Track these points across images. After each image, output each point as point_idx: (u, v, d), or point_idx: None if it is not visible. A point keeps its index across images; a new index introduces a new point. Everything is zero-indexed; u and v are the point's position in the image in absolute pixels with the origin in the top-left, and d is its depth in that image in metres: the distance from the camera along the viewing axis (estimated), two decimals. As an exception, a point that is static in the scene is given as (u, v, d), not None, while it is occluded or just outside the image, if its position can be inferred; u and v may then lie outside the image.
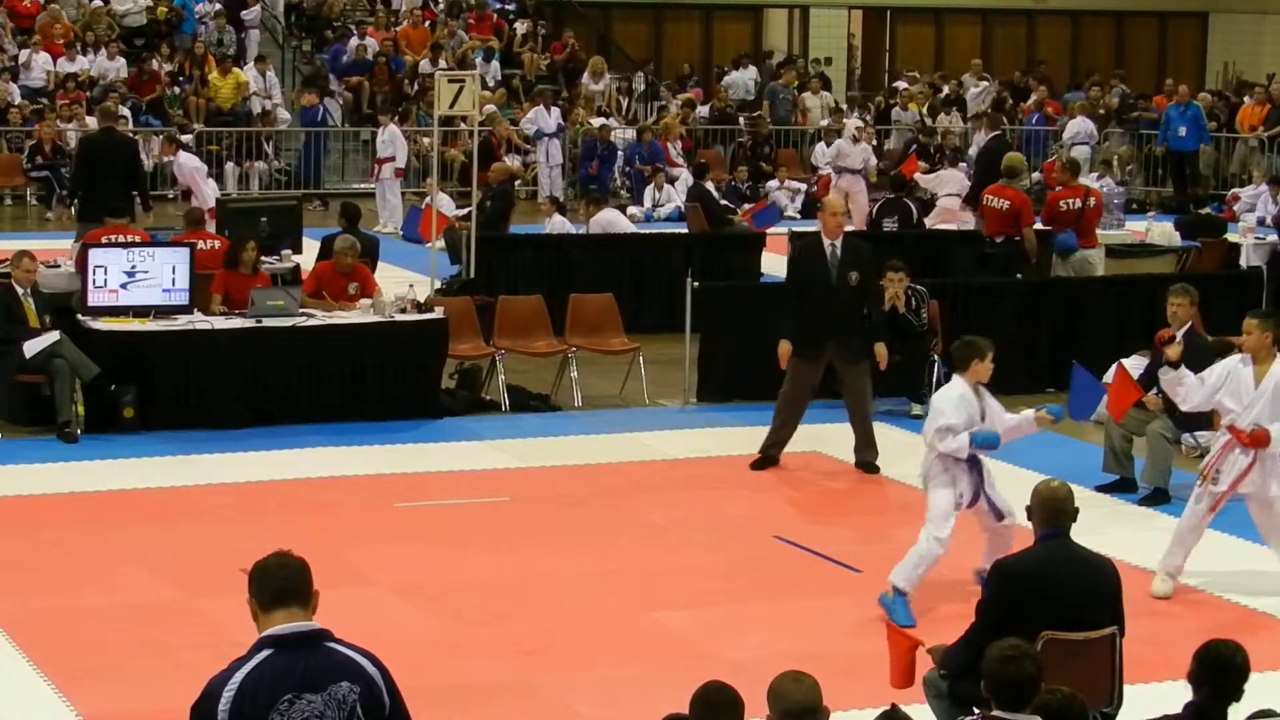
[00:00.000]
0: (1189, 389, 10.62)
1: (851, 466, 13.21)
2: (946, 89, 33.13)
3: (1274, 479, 10.42)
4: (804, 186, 28.17)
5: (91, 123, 24.75)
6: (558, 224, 20.23)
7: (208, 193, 21.42)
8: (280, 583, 5.17)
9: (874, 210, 21.71)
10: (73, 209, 20.16)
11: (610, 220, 20.38)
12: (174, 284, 14.18)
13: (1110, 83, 33.43)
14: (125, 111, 26.14)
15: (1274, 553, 10.68)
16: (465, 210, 20.22)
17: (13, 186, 26.09)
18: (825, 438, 13.54)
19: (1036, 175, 28.12)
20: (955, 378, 10.19)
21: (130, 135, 21.39)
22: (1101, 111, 31.13)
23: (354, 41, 30.10)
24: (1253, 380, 10.43)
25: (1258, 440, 10.36)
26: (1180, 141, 28.41)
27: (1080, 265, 17.77)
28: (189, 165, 22.15)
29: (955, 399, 10.01)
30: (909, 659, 7.70)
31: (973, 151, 26.75)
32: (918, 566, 9.95)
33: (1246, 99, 30.68)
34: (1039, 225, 18.34)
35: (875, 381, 13.33)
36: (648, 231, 22.31)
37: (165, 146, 22.82)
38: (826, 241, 13.03)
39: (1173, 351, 10.58)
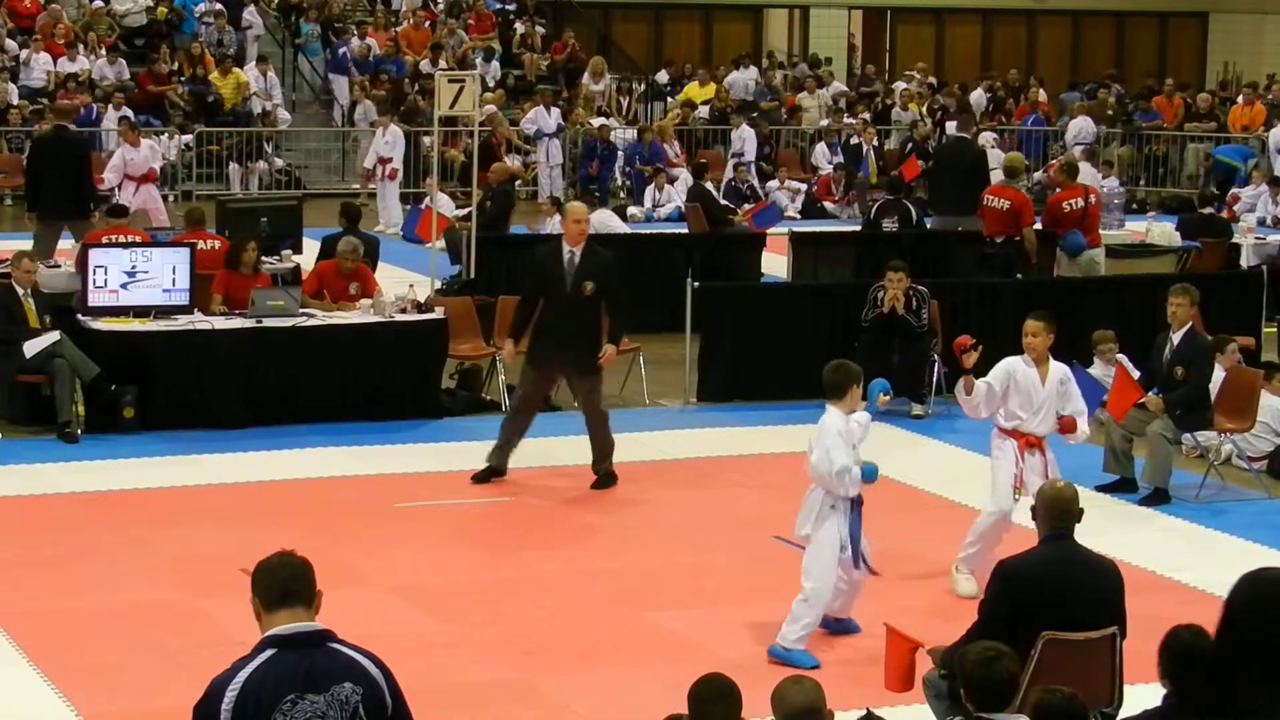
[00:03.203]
0: (982, 399, 10.39)
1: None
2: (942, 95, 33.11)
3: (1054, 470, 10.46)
4: (804, 186, 28.16)
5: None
6: (558, 224, 20.19)
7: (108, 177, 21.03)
8: (283, 583, 5.17)
9: (873, 211, 21.65)
10: (27, 211, 19.82)
11: (604, 221, 20.35)
12: (174, 284, 14.18)
13: (1107, 82, 33.42)
14: (128, 112, 26.13)
15: None
16: (465, 210, 20.21)
17: (13, 187, 26.06)
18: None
19: (1039, 175, 28.12)
20: (830, 408, 9.35)
21: (81, 135, 21.07)
22: (1110, 113, 31.09)
23: (354, 41, 30.10)
24: (1040, 382, 10.45)
25: (1067, 427, 10.47)
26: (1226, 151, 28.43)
27: (1088, 265, 17.76)
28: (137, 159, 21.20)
29: (842, 434, 9.31)
30: (909, 661, 7.70)
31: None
32: (803, 619, 9.29)
33: (1239, 99, 30.62)
34: (1040, 227, 18.33)
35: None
36: (648, 231, 22.29)
37: (127, 134, 22.40)
38: (566, 248, 12.51)
39: (969, 360, 10.35)
